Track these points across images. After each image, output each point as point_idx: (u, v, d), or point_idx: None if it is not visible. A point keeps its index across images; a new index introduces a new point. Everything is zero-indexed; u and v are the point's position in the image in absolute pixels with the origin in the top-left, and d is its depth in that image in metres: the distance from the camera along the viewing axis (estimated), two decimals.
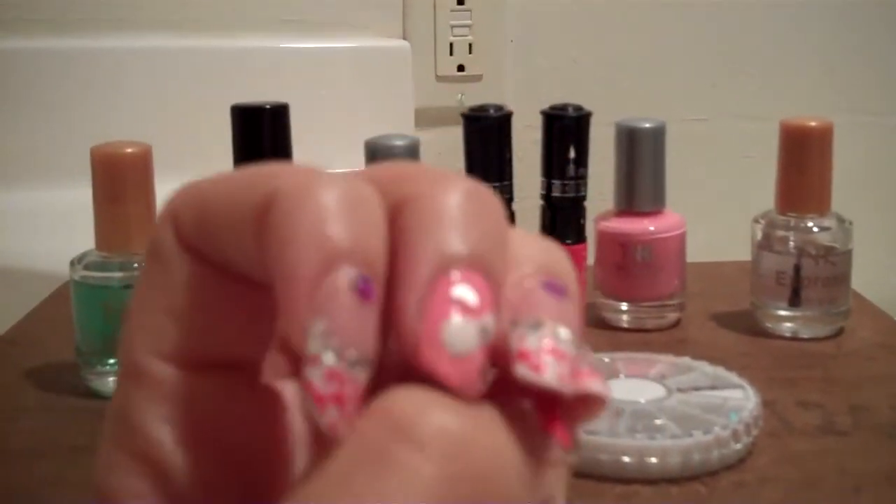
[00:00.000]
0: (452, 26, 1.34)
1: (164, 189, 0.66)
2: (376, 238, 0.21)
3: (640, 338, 0.71)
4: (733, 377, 0.59)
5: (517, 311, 0.21)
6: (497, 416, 0.20)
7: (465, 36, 1.35)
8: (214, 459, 0.23)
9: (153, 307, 0.24)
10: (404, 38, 1.33)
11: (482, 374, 0.20)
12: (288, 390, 0.25)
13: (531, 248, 0.23)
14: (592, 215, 0.74)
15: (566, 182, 0.71)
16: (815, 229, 0.70)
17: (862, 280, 0.76)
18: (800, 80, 1.40)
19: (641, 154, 0.70)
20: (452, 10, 1.34)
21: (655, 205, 0.71)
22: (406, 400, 0.20)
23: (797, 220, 0.70)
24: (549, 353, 0.21)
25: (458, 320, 0.20)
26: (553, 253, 0.23)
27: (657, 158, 0.71)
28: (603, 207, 0.74)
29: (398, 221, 0.21)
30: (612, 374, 0.60)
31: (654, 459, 0.51)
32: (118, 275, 0.61)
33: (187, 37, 1.23)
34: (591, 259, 0.74)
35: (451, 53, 1.35)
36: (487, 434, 0.20)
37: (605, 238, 0.72)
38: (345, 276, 0.20)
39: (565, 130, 0.70)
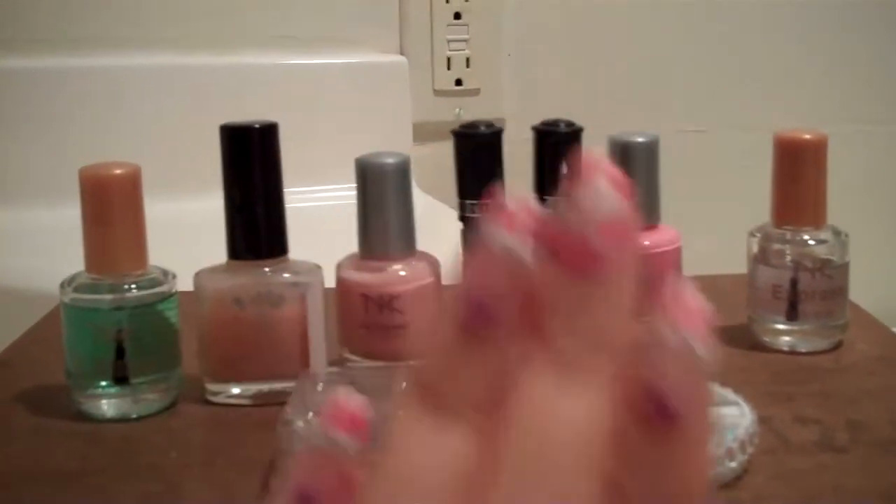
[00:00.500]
0: (449, 41, 1.34)
1: (155, 209, 0.66)
2: None
3: None
4: (729, 394, 0.58)
5: None
6: None
7: (463, 50, 1.34)
8: None
9: None
10: (401, 53, 1.33)
11: None
12: None
13: None
14: None
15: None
16: (812, 242, 0.69)
17: (860, 292, 0.75)
18: (797, 91, 1.40)
19: (635, 169, 0.70)
20: (449, 25, 1.34)
21: (650, 220, 0.71)
22: None
23: (793, 234, 0.70)
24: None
25: None
26: None
27: (651, 173, 0.70)
28: None
29: None
30: None
31: None
32: (108, 297, 0.61)
33: (182, 54, 1.23)
34: None
35: (448, 68, 1.35)
36: None
37: None
38: None
39: (557, 146, 0.69)
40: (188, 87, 1.21)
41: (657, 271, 0.70)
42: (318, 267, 0.64)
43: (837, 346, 0.71)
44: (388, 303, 0.64)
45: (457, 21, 1.33)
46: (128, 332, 0.61)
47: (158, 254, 0.64)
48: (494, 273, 0.22)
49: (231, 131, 0.62)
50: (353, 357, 0.65)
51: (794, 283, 0.69)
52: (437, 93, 1.35)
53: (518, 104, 1.36)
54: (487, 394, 0.22)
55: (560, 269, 0.22)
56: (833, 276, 0.69)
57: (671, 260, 0.71)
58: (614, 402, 0.22)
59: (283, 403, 0.58)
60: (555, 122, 0.70)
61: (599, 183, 0.22)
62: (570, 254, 0.22)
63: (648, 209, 0.71)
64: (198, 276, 0.64)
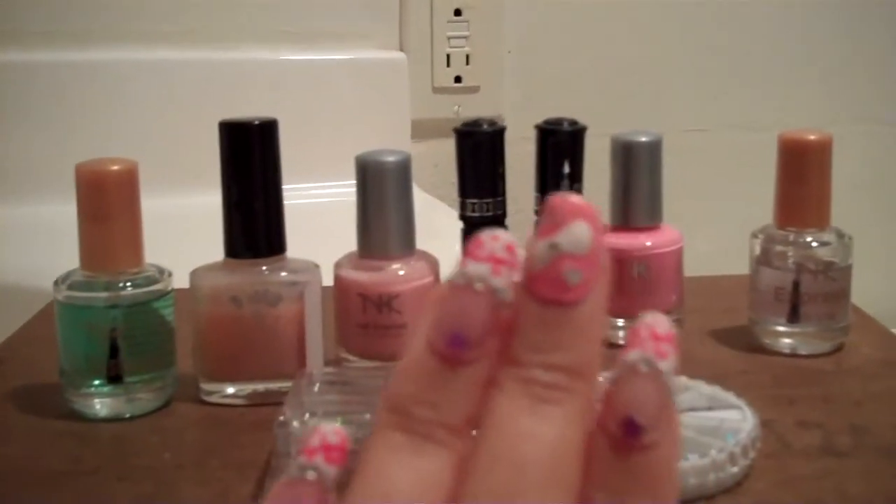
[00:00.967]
0: (449, 37, 1.33)
1: (153, 206, 0.65)
2: None
3: None
4: (731, 397, 0.57)
5: None
6: None
7: (463, 47, 1.34)
8: None
9: None
10: (401, 50, 1.32)
11: None
12: None
13: None
14: None
15: None
16: (815, 244, 0.69)
17: (862, 294, 0.74)
18: (801, 90, 1.39)
19: (638, 168, 0.69)
20: (449, 21, 1.33)
21: (652, 220, 0.70)
22: None
23: (796, 235, 0.69)
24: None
25: None
26: None
27: (654, 173, 0.69)
28: None
29: None
30: None
31: None
32: (103, 295, 0.60)
33: (181, 49, 1.22)
34: None
35: (448, 65, 1.34)
36: None
37: None
38: None
39: (560, 145, 0.69)
40: (186, 82, 1.20)
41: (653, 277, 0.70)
42: (317, 266, 0.64)
43: (839, 349, 0.70)
44: (386, 302, 0.63)
45: (457, 18, 1.32)
46: (122, 331, 0.60)
47: (154, 251, 0.63)
48: (470, 303, 0.23)
49: (230, 128, 0.61)
50: (351, 357, 0.65)
51: (796, 285, 0.68)
52: (437, 90, 1.34)
53: (518, 102, 1.35)
54: (461, 417, 0.23)
55: (534, 299, 0.23)
56: (836, 279, 0.68)
57: (673, 261, 0.71)
58: (585, 423, 0.23)
59: (278, 404, 0.57)
60: (558, 121, 0.69)
61: (573, 220, 0.23)
62: (544, 286, 0.23)
63: (651, 209, 0.70)
64: (194, 274, 0.63)
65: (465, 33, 1.33)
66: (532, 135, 0.71)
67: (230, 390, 0.63)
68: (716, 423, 0.54)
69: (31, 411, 0.62)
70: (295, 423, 0.53)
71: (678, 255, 0.71)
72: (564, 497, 0.23)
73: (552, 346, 0.23)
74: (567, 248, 0.23)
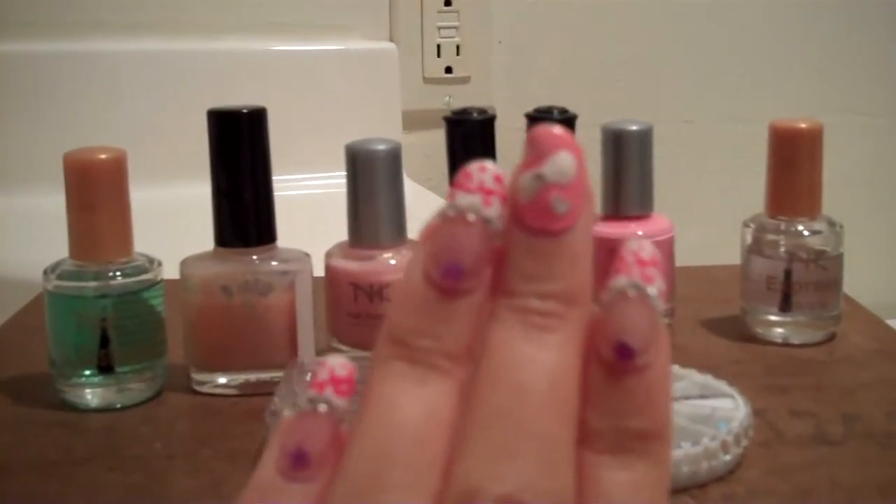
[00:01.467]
0: (440, 28, 1.33)
1: (143, 195, 0.65)
2: None
3: None
4: (723, 386, 0.57)
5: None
6: None
7: (453, 38, 1.33)
8: None
9: None
10: (391, 40, 1.32)
11: None
12: None
13: None
14: None
15: None
16: (806, 233, 0.69)
17: (854, 283, 0.74)
18: (791, 81, 1.39)
19: (628, 157, 0.69)
20: (440, 12, 1.33)
21: (643, 209, 0.70)
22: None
23: (787, 224, 0.69)
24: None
25: None
26: None
27: (644, 161, 0.69)
28: None
29: None
30: None
31: None
32: (92, 284, 0.60)
33: (170, 40, 1.21)
34: None
35: (438, 55, 1.33)
36: None
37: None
38: None
39: None
40: (176, 72, 1.19)
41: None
42: (307, 255, 0.63)
43: (831, 339, 0.70)
44: (377, 292, 0.63)
45: (447, 8, 1.32)
46: (112, 321, 0.60)
47: (144, 240, 0.63)
48: (463, 233, 0.24)
49: (219, 116, 0.61)
50: (342, 346, 0.65)
51: (787, 273, 0.68)
52: (427, 80, 1.34)
53: (508, 93, 1.35)
54: (462, 346, 0.24)
55: (523, 230, 0.24)
56: (827, 268, 0.68)
57: (664, 250, 0.70)
58: (579, 348, 0.24)
59: (270, 393, 0.57)
60: (548, 109, 0.69)
61: (557, 151, 0.24)
62: (533, 216, 0.24)
63: (641, 198, 0.70)
64: (184, 263, 0.63)
65: (456, 24, 1.33)
66: (522, 125, 0.70)
67: (221, 380, 0.63)
68: (708, 412, 0.54)
69: (22, 402, 0.62)
70: (286, 413, 0.52)
71: (669, 244, 0.71)
72: (564, 420, 0.23)
73: (545, 274, 0.24)
74: (552, 178, 0.23)
